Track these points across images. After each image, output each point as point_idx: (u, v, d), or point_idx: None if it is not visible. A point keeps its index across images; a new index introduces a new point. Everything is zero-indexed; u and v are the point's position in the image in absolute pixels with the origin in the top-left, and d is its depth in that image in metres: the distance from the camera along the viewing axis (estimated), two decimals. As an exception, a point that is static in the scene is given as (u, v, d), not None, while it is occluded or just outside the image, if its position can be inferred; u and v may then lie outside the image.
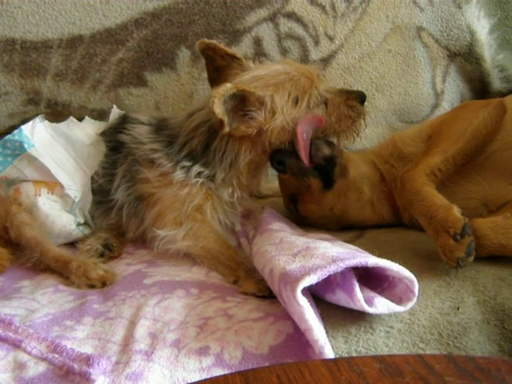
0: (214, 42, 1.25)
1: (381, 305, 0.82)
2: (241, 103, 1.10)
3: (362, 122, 1.23)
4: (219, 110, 1.05)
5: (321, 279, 0.79)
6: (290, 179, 1.24)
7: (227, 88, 1.05)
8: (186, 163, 1.18)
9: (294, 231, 1.10)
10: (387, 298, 0.84)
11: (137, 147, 1.22)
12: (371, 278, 0.87)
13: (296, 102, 1.15)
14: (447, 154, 1.12)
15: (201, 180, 1.18)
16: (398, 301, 0.84)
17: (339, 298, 0.85)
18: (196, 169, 1.17)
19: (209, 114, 1.14)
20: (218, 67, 1.25)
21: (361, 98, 1.23)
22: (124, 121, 1.31)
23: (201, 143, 1.18)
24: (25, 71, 1.54)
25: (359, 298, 0.81)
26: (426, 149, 1.18)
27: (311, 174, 1.20)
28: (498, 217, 0.99)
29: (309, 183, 1.21)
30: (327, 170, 1.20)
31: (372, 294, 0.84)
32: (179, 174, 1.17)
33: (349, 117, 1.21)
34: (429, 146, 1.18)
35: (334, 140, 1.23)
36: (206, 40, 1.26)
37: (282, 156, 1.18)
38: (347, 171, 1.23)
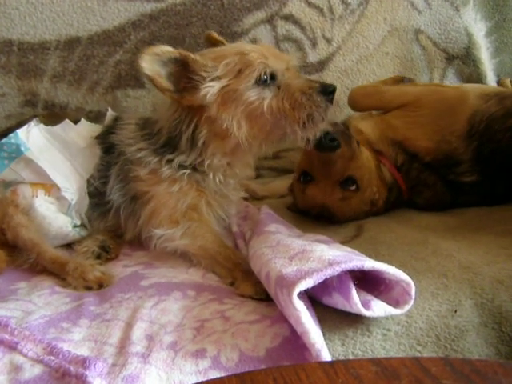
0: (211, 31, 1.29)
1: (378, 308, 0.82)
2: (185, 70, 1.09)
3: (320, 116, 1.09)
4: (147, 65, 1.04)
5: (317, 283, 0.79)
6: (341, 157, 1.26)
7: (164, 49, 1.06)
8: (169, 156, 1.17)
9: (290, 233, 1.10)
10: (384, 301, 0.84)
11: (125, 148, 1.22)
12: (368, 281, 0.87)
13: (239, 74, 1.10)
14: None
15: (187, 172, 1.17)
16: (395, 303, 0.84)
17: (336, 301, 0.85)
18: (177, 159, 1.16)
19: None
20: None
21: (323, 88, 1.09)
22: (116, 123, 1.30)
23: (169, 125, 1.17)
24: (22, 73, 1.54)
25: (356, 301, 0.81)
26: None
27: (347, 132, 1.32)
28: None
29: (353, 141, 1.30)
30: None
31: (369, 296, 0.84)
32: (166, 170, 1.17)
33: (303, 106, 1.08)
34: None
35: (291, 136, 1.13)
36: (209, 31, 1.30)
37: (327, 135, 1.20)
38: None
